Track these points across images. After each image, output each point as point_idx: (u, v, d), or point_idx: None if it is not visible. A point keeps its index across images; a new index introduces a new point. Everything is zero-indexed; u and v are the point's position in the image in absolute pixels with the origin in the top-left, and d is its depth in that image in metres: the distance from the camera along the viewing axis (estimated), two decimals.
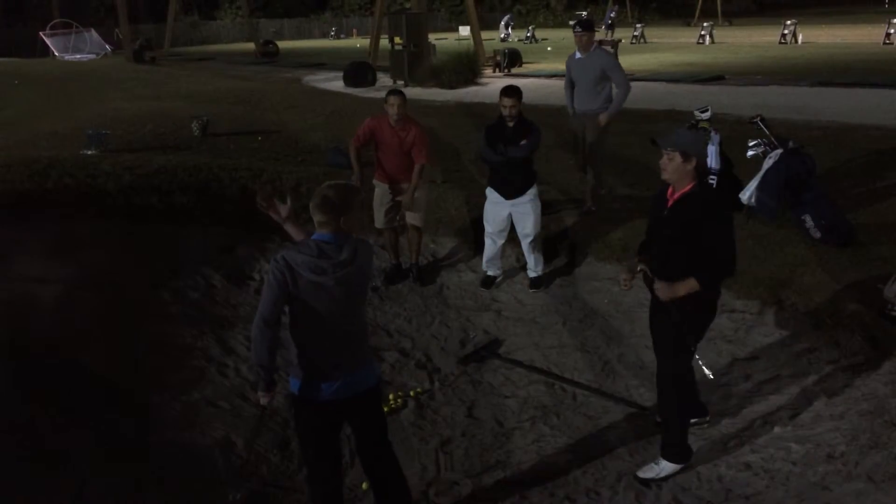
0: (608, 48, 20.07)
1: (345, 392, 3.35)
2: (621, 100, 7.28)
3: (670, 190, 3.88)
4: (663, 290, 3.81)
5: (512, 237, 6.49)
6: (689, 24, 45.49)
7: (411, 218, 6.55)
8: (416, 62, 19.14)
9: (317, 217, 3.25)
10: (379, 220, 6.59)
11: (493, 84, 18.12)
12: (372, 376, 3.49)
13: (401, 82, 18.90)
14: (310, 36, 55.70)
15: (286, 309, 3.31)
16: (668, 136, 3.83)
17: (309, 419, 3.46)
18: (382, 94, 6.65)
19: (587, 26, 7.34)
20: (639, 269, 4.06)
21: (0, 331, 5.08)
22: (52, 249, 6.01)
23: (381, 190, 6.52)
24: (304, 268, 3.20)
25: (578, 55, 7.36)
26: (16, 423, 4.37)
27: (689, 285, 3.74)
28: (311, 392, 3.36)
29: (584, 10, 38.08)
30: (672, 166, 3.77)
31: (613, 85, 7.35)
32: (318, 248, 3.23)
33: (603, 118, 7.23)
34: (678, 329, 3.86)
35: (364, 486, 4.09)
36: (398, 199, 6.45)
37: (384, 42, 22.15)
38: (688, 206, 3.78)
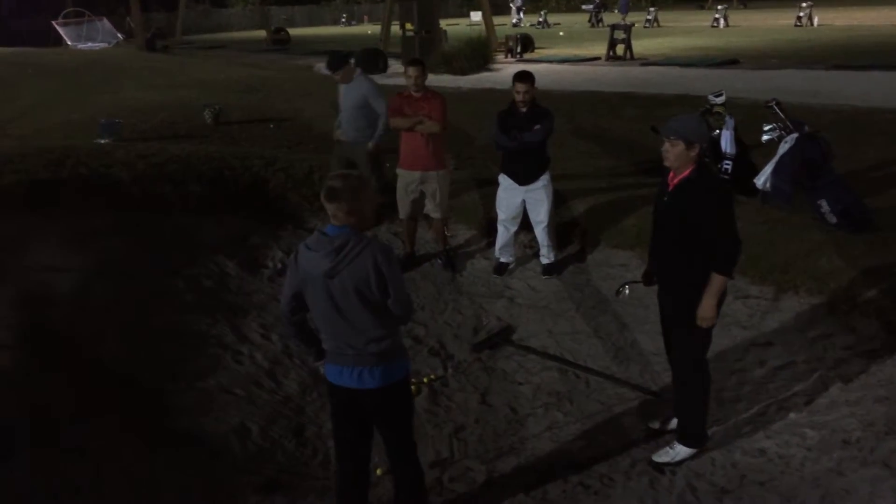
0: (620, 31, 20.09)
1: (348, 382, 3.36)
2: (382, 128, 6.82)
3: (671, 175, 3.87)
4: (705, 313, 3.80)
5: (525, 224, 6.47)
6: (702, 8, 45.03)
7: (433, 211, 6.55)
8: (427, 48, 19.05)
9: (326, 208, 3.27)
10: (403, 210, 6.58)
11: (505, 70, 18.01)
12: (374, 380, 3.33)
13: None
14: (321, 23, 55.55)
15: None
16: (669, 124, 3.81)
17: (330, 397, 3.55)
18: (394, 80, 6.67)
19: (335, 67, 6.86)
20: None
21: (15, 319, 5.14)
22: (67, 238, 6.05)
23: (404, 179, 6.51)
24: (302, 257, 3.28)
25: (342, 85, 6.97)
26: (32, 410, 4.41)
27: (715, 287, 3.75)
28: (327, 372, 3.46)
29: None
30: (675, 153, 3.76)
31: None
32: (317, 238, 3.27)
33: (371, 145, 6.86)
34: (694, 314, 3.85)
35: (378, 471, 4.11)
36: (422, 188, 6.45)
37: (395, 28, 22.09)
38: (687, 190, 3.78)
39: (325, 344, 3.40)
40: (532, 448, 4.43)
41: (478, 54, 19.02)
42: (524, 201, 6.28)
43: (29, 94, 15.02)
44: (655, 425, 4.39)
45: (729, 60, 18.12)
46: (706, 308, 3.80)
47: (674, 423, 4.22)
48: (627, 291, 4.62)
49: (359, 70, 7.17)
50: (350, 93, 6.86)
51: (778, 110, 6.80)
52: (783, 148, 6.51)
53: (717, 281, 3.76)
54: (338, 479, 3.68)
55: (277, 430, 4.67)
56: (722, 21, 30.37)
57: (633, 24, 22.07)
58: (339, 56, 7.01)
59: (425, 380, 5.21)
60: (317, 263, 3.21)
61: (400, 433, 3.57)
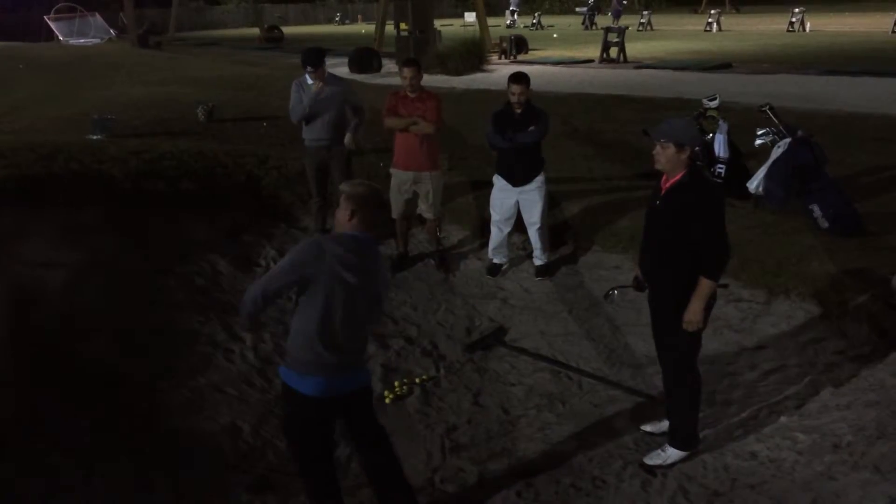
0: (614, 34, 20.13)
1: (338, 389, 3.36)
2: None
3: (664, 178, 3.88)
4: (691, 317, 3.79)
5: (518, 225, 6.47)
6: (696, 12, 45.18)
7: (426, 211, 6.53)
8: (421, 48, 19.03)
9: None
10: (396, 210, 6.56)
11: (499, 71, 18.03)
12: (364, 378, 3.56)
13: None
14: (315, 21, 55.50)
15: (292, 295, 3.34)
16: (660, 127, 3.82)
17: (301, 412, 3.40)
18: (388, 80, 6.65)
19: (316, 63, 6.41)
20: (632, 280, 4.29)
21: (6, 315, 5.10)
22: (59, 234, 6.00)
23: (398, 178, 6.48)
24: (336, 260, 3.22)
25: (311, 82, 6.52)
26: (22, 408, 4.38)
27: (703, 291, 3.75)
28: (309, 385, 3.31)
29: None
30: (665, 156, 3.76)
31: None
32: (356, 243, 3.30)
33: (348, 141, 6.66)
34: (682, 318, 3.85)
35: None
36: (415, 188, 6.44)
37: (390, 28, 22.06)
38: (679, 193, 3.78)
39: (314, 354, 3.41)
40: (524, 449, 4.42)
41: (472, 55, 19.03)
42: (518, 202, 6.28)
43: (20, 89, 14.93)
44: (647, 428, 4.39)
45: (722, 64, 18.20)
46: (692, 312, 3.80)
47: (666, 425, 4.22)
48: (616, 294, 4.64)
49: (329, 74, 6.76)
50: (328, 93, 6.49)
51: (771, 115, 6.84)
52: (776, 152, 6.55)
53: (704, 285, 3.76)
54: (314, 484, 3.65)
55: (269, 429, 4.65)
56: (715, 25, 30.51)
57: (627, 27, 22.11)
58: (318, 52, 6.59)
59: (417, 380, 5.20)
60: (355, 267, 3.33)
61: (378, 434, 3.64)
